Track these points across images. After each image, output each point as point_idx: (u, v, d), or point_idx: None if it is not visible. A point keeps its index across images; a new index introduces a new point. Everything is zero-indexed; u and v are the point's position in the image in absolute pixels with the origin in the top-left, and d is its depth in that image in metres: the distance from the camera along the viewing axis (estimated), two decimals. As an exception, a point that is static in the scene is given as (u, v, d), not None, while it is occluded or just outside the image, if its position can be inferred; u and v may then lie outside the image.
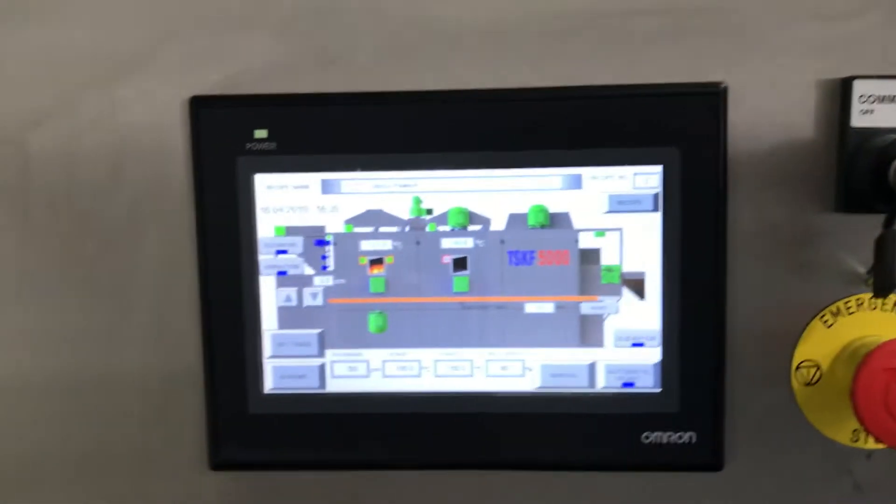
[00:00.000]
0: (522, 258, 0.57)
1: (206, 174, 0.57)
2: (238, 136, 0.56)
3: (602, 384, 0.58)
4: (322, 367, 0.59)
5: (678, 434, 0.57)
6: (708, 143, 0.55)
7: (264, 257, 0.58)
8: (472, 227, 0.57)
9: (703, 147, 0.55)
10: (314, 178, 0.57)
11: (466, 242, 0.57)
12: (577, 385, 0.58)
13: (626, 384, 0.58)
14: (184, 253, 0.58)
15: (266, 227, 0.57)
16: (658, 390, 0.57)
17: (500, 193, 0.57)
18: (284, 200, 0.57)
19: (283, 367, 0.59)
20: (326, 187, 0.57)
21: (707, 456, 0.57)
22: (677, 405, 0.57)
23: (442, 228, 0.57)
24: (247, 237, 0.57)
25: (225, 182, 0.57)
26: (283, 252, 0.58)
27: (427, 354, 0.58)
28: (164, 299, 0.59)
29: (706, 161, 0.55)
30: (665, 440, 0.57)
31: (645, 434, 0.57)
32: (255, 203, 0.57)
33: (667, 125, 0.55)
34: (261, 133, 0.57)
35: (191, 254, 0.58)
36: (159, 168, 0.58)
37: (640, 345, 0.57)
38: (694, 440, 0.57)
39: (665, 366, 0.57)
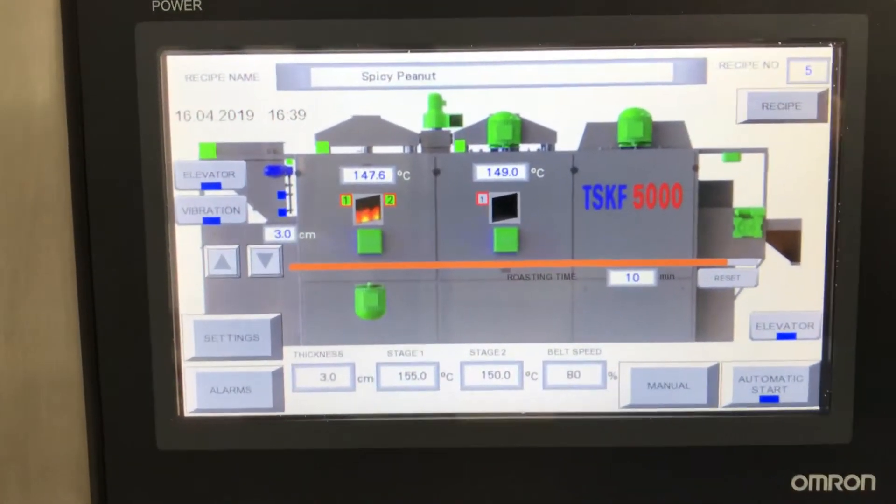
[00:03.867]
0: (607, 197, 0.42)
1: (86, 53, 0.41)
2: (138, -11, 0.40)
3: (728, 399, 0.43)
4: (278, 375, 0.43)
5: (848, 478, 0.43)
6: (909, 12, 0.40)
7: (183, 194, 0.42)
8: (525, 147, 0.42)
9: (900, 18, 0.40)
10: (265, 63, 0.42)
11: (517, 171, 0.42)
12: (690, 401, 0.43)
13: (767, 398, 0.43)
14: (50, 187, 0.43)
15: (185, 143, 0.42)
16: (816, 408, 0.43)
17: (571, 91, 0.41)
18: (215, 99, 0.42)
19: (213, 374, 0.44)
20: (285, 78, 0.42)
21: (891, 511, 0.43)
22: (847, 433, 0.43)
23: (476, 148, 0.42)
24: (152, 160, 0.42)
25: (116, 67, 0.41)
26: (214, 186, 0.42)
27: (450, 353, 0.43)
28: (19, 266, 0.44)
29: (906, 41, 0.40)
30: (828, 487, 0.43)
31: (797, 478, 0.43)
32: (168, 103, 0.42)
33: (845, -20, 0.40)
34: (176, -16, 0.41)
35: (61, 189, 0.43)
36: (11, 44, 0.43)
37: (791, 336, 0.43)
38: (872, 487, 0.43)
39: (830, 370, 0.43)
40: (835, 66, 0.40)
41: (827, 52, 0.40)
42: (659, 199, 0.41)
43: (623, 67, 0.41)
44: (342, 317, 0.42)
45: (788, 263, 0.42)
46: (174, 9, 0.40)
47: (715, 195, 0.41)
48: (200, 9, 0.40)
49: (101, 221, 0.41)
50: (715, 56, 0.41)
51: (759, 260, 0.42)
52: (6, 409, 0.45)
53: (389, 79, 0.41)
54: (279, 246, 0.42)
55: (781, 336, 0.42)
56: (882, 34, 0.40)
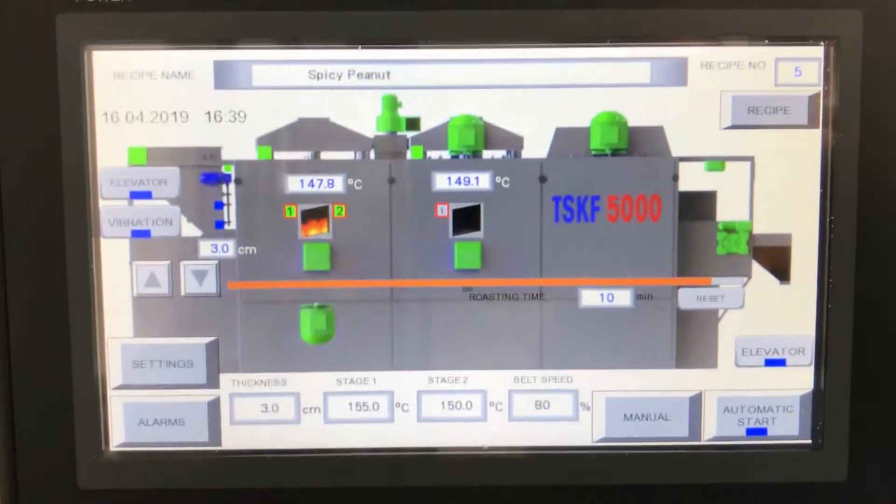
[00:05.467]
0: (579, 209, 0.40)
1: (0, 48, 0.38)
2: (59, -22, 0.38)
3: (712, 432, 0.41)
4: (214, 406, 0.41)
5: (844, 519, 0.41)
6: (907, 9, 0.38)
7: (109, 204, 0.40)
8: (489, 153, 0.40)
9: (898, 14, 0.38)
10: (201, 59, 0.39)
11: (479, 180, 0.40)
12: (670, 434, 0.41)
13: (755, 431, 0.41)
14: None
15: (112, 148, 0.40)
16: (808, 442, 0.41)
17: (539, 92, 0.39)
18: (146, 100, 0.39)
19: (142, 404, 0.41)
20: (224, 76, 0.39)
21: (891, 556, 0.41)
22: (842, 469, 0.41)
23: (436, 155, 0.40)
24: (74, 167, 0.39)
25: (34, 64, 0.38)
26: (145, 195, 0.40)
27: (405, 381, 0.42)
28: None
29: (904, 40, 0.38)
30: (822, 530, 0.41)
31: (788, 519, 0.41)
32: (93, 104, 0.39)
33: (838, -28, 0.38)
34: (101, -27, 0.38)
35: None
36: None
37: (780, 363, 0.41)
38: (871, 530, 0.41)
39: (822, 400, 0.41)
40: (827, 66, 0.38)
41: (818, 51, 0.38)
42: (635, 211, 0.39)
43: (596, 67, 0.38)
44: (286, 341, 0.40)
45: (777, 283, 0.40)
46: (100, 1, 0.37)
47: (697, 207, 0.39)
48: (129, 0, 0.37)
49: (16, 234, 0.38)
50: (696, 55, 0.38)
51: (744, 279, 0.39)
52: None
53: (339, 77, 0.38)
54: (216, 262, 0.39)
55: (770, 362, 0.40)
56: (878, 31, 0.37)
